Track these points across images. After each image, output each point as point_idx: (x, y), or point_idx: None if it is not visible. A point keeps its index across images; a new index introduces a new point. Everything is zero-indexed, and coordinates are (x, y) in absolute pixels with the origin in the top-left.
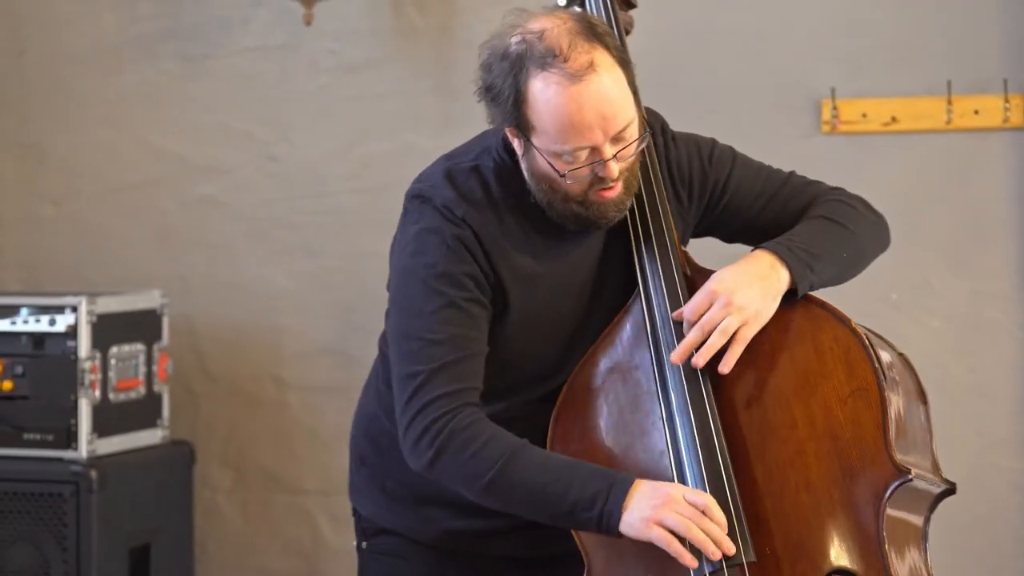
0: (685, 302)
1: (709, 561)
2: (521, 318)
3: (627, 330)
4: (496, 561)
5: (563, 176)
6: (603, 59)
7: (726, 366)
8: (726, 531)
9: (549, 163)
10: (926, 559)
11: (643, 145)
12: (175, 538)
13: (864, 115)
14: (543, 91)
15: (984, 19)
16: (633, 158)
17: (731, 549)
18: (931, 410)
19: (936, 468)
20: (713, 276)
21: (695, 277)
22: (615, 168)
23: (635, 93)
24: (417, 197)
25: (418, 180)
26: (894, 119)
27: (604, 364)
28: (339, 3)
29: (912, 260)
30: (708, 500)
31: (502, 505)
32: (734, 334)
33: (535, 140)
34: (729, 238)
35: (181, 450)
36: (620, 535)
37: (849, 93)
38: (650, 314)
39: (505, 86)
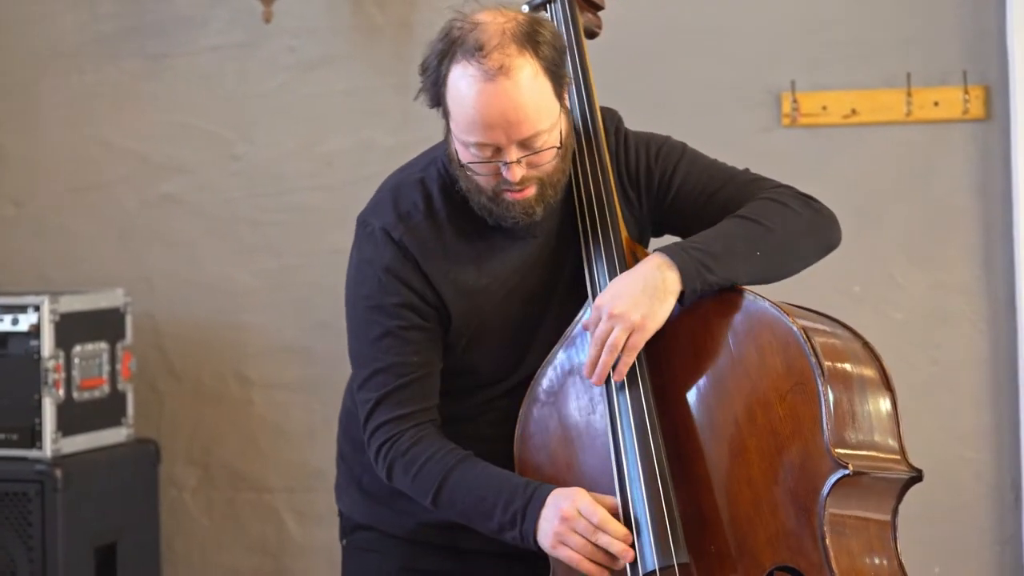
0: None
1: (645, 562)
2: (466, 327)
3: (580, 336)
4: (470, 554)
5: (462, 167)
6: (525, 65)
7: (618, 375)
8: (629, 541)
9: (457, 151)
10: (893, 548)
11: (556, 158)
12: (141, 537)
13: (824, 108)
14: (456, 81)
15: (943, 11)
16: (549, 166)
17: (629, 558)
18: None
19: (902, 456)
20: (603, 289)
21: None
22: (518, 172)
23: (588, 103)
24: (360, 223)
25: (372, 196)
26: (854, 111)
27: (563, 366)
28: (298, 1)
29: (874, 252)
30: (601, 514)
31: (446, 517)
32: (624, 344)
33: (451, 124)
34: (682, 235)
35: (146, 448)
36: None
37: (809, 86)
38: None
39: (434, 65)
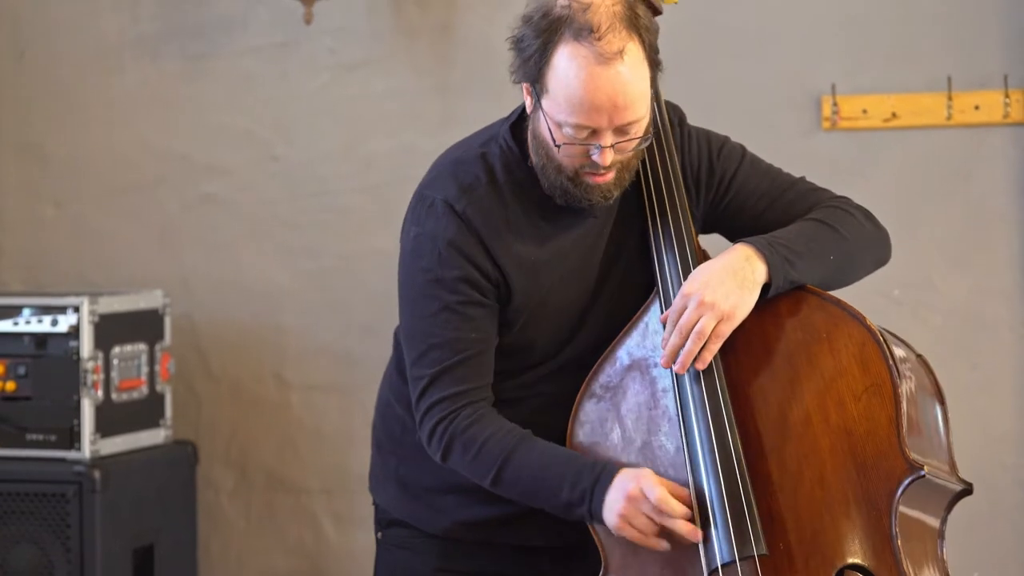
0: None
1: (721, 552)
2: (527, 304)
3: (646, 327)
4: (508, 550)
5: (557, 146)
6: (634, 50)
7: (702, 363)
8: (688, 518)
9: (549, 130)
10: (942, 558)
11: (643, 145)
12: (178, 538)
13: (864, 111)
14: (568, 61)
15: (984, 14)
16: (632, 154)
17: (696, 537)
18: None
19: (953, 468)
20: (690, 275)
21: None
22: (609, 156)
23: (656, 95)
24: (419, 196)
25: (427, 174)
26: (894, 115)
27: (622, 361)
28: (339, 2)
29: (914, 256)
30: (659, 493)
31: (507, 496)
32: (712, 332)
33: (544, 103)
34: (731, 236)
35: (184, 450)
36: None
37: (849, 89)
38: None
39: (535, 42)
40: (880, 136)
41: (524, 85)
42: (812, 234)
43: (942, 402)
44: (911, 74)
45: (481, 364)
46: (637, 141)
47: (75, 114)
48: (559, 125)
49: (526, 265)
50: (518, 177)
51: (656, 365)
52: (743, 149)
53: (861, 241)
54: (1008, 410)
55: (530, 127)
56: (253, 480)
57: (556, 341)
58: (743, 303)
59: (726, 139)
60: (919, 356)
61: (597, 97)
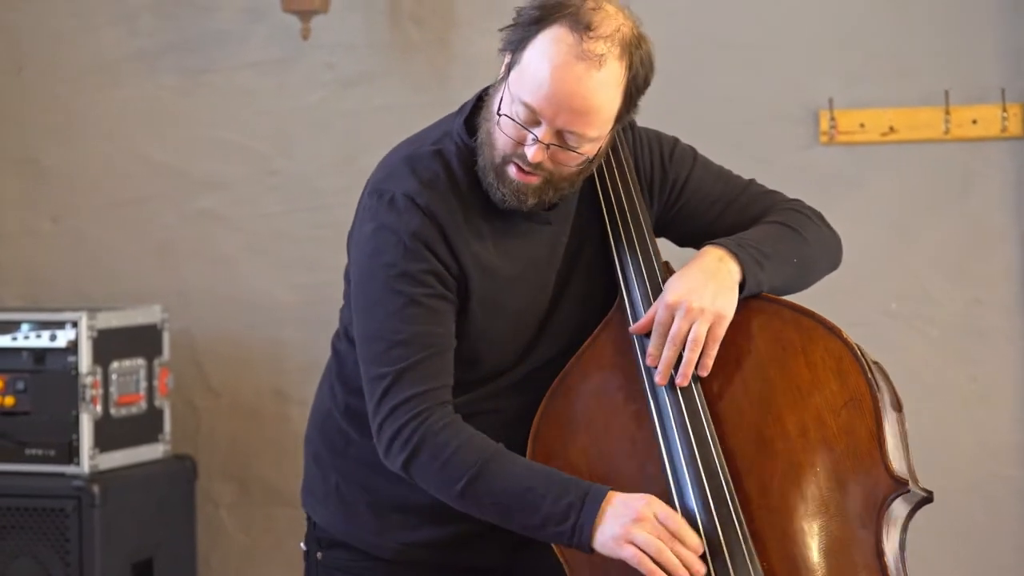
0: None
1: (715, 573)
2: (483, 308)
3: (611, 343)
4: (459, 572)
5: (497, 114)
6: (615, 69)
7: (704, 369)
8: (699, 553)
9: (501, 97)
10: (905, 567)
11: (576, 168)
12: (178, 552)
13: (862, 125)
14: (549, 41)
15: (981, 29)
16: (566, 170)
17: (701, 573)
18: (928, 418)
19: (914, 476)
20: (666, 287)
21: None
22: (538, 153)
23: (612, 133)
24: (375, 192)
25: (377, 171)
26: (892, 129)
27: (587, 378)
28: (336, 17)
29: (911, 269)
30: (680, 522)
31: (477, 512)
32: (707, 337)
33: (513, 75)
34: (681, 241)
35: (183, 464)
36: (593, 551)
37: (847, 103)
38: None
39: (530, 15)
40: (878, 150)
41: (505, 61)
42: (777, 236)
43: (900, 410)
44: (909, 88)
45: (446, 362)
46: (573, 156)
47: (73, 128)
48: (513, 99)
49: (483, 267)
50: (474, 175)
51: (625, 384)
52: (694, 151)
53: (820, 245)
54: (1007, 421)
55: (487, 99)
56: (253, 494)
57: (512, 352)
58: (729, 303)
59: (676, 140)
60: (876, 363)
61: (558, 88)
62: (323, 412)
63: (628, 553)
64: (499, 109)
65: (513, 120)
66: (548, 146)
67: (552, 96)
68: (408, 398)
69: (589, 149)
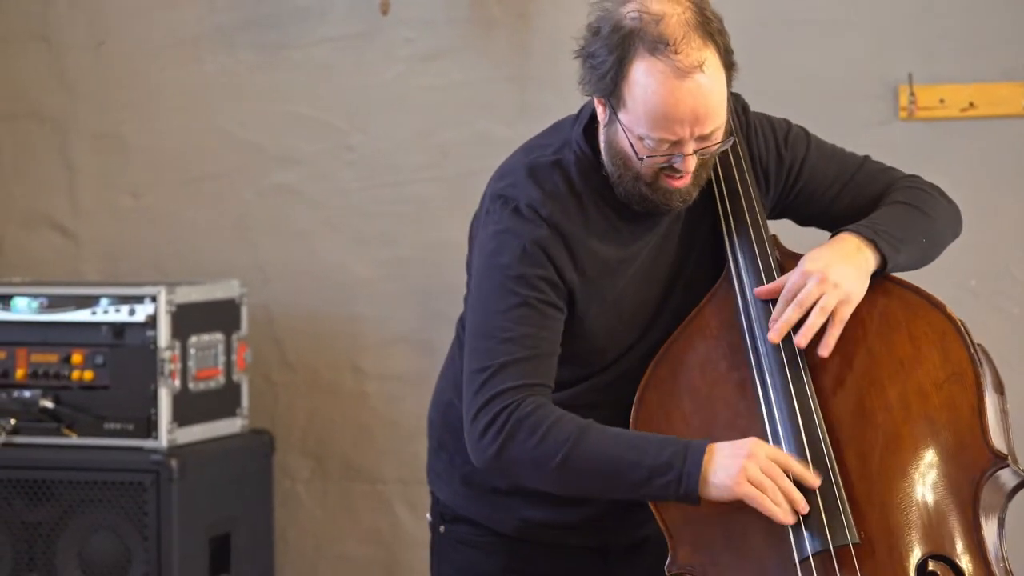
0: None
1: (813, 540)
2: (604, 308)
3: (717, 314)
4: (575, 551)
5: (641, 160)
6: (711, 60)
7: (826, 348)
8: (815, 484)
9: (630, 143)
10: (1003, 547)
11: (725, 147)
12: (255, 527)
13: (942, 101)
14: (645, 76)
15: None
16: (713, 154)
17: (804, 509)
18: (1008, 399)
19: (1014, 457)
20: (805, 257)
21: (785, 261)
22: (692, 163)
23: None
24: (499, 198)
25: (499, 178)
26: (972, 104)
27: (692, 347)
28: None
29: (991, 247)
30: (786, 456)
31: (575, 485)
32: (831, 315)
33: (623, 116)
34: (803, 222)
35: (260, 439)
36: (699, 501)
37: (926, 79)
38: (743, 298)
39: (609, 57)
40: (957, 126)
41: (596, 98)
42: (907, 218)
43: (1003, 392)
44: (988, 64)
45: (549, 366)
46: (715, 146)
47: (152, 104)
48: (640, 138)
49: (608, 266)
50: (595, 183)
51: (729, 353)
52: (807, 133)
53: (944, 220)
54: None
55: (604, 137)
56: (329, 469)
57: (625, 344)
58: (860, 289)
59: (789, 124)
60: (979, 345)
61: (678, 111)
62: (445, 401)
63: (746, 491)
64: (637, 155)
65: (655, 156)
66: (695, 152)
67: (680, 120)
68: (505, 390)
69: (723, 132)
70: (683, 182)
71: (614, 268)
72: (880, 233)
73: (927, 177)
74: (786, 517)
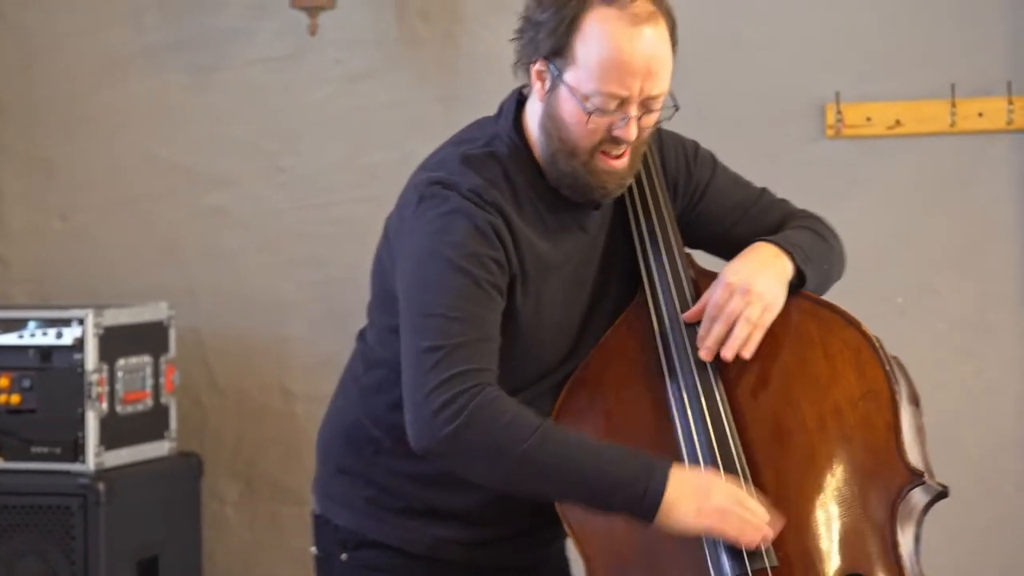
0: (693, 303)
1: (731, 565)
2: (536, 304)
3: (632, 334)
4: (488, 571)
5: (588, 114)
6: (661, 19)
7: (748, 352)
8: (765, 519)
9: (575, 105)
10: (919, 560)
11: (665, 118)
12: (183, 550)
13: (868, 119)
14: (601, 24)
15: (988, 22)
16: (649, 132)
17: (769, 538)
18: (934, 413)
19: (931, 471)
20: (726, 269)
21: (699, 280)
22: (634, 129)
23: None
24: (437, 183)
25: (431, 168)
26: (898, 122)
27: (608, 368)
28: (344, 13)
29: (918, 263)
30: (741, 492)
31: (528, 481)
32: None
33: (569, 75)
34: (694, 244)
35: (189, 462)
36: (652, 521)
37: (853, 97)
38: (659, 316)
39: (559, 14)
40: (884, 143)
41: (536, 67)
42: (812, 242)
43: (918, 403)
44: (915, 81)
45: (495, 352)
46: (655, 117)
47: (81, 126)
48: (587, 97)
49: (543, 262)
50: (528, 176)
51: (646, 373)
52: (714, 156)
53: (839, 255)
54: (1012, 415)
55: (543, 111)
56: (258, 491)
57: (557, 352)
58: (781, 295)
59: (697, 144)
60: (894, 357)
61: (634, 61)
62: (348, 421)
63: (709, 524)
64: (586, 109)
65: (599, 114)
66: (639, 117)
67: (633, 70)
68: (463, 371)
69: (661, 105)
70: (620, 161)
71: (547, 266)
72: (794, 247)
73: (855, 194)
74: (755, 535)
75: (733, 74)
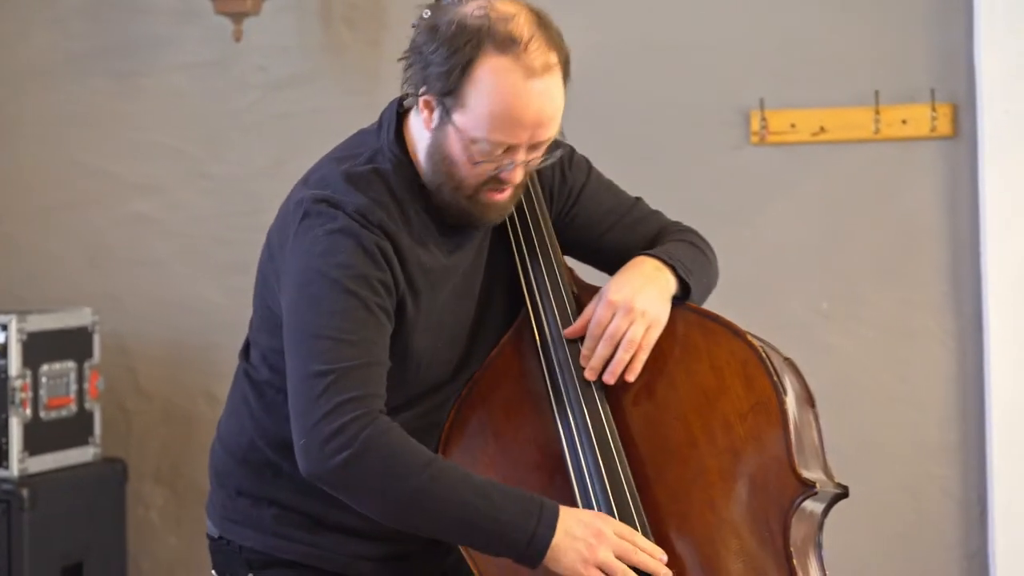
0: (575, 318)
1: None
2: (426, 320)
3: (517, 353)
4: None
5: (475, 164)
6: (554, 63)
7: (632, 374)
8: (662, 559)
9: (463, 146)
10: (823, 565)
11: (551, 160)
12: (108, 556)
13: (793, 125)
14: (493, 75)
15: (911, 30)
16: (534, 167)
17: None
18: (859, 418)
19: (829, 472)
20: (608, 285)
21: (582, 294)
22: (520, 174)
23: None
24: (322, 201)
25: (315, 185)
26: (823, 129)
27: (495, 388)
28: (268, 19)
29: (842, 270)
30: (634, 532)
31: (414, 519)
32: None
33: (458, 117)
34: (566, 250)
35: (113, 467)
36: (537, 566)
37: (778, 104)
38: (540, 334)
39: (451, 55)
40: (808, 150)
41: (424, 99)
42: (692, 255)
43: (813, 404)
44: (839, 88)
45: (383, 377)
46: (540, 156)
47: (5, 132)
48: (474, 141)
49: (433, 275)
50: (414, 190)
51: (530, 392)
52: (588, 161)
53: (715, 270)
54: (936, 421)
55: (429, 141)
56: (183, 497)
57: (448, 364)
58: (665, 311)
59: (572, 148)
60: (787, 359)
61: (525, 114)
62: (243, 445)
63: (596, 574)
64: (471, 159)
65: (487, 162)
66: (527, 161)
67: (523, 123)
68: (353, 398)
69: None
70: (503, 196)
71: (437, 278)
72: (675, 259)
73: (779, 200)
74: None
75: (657, 81)
